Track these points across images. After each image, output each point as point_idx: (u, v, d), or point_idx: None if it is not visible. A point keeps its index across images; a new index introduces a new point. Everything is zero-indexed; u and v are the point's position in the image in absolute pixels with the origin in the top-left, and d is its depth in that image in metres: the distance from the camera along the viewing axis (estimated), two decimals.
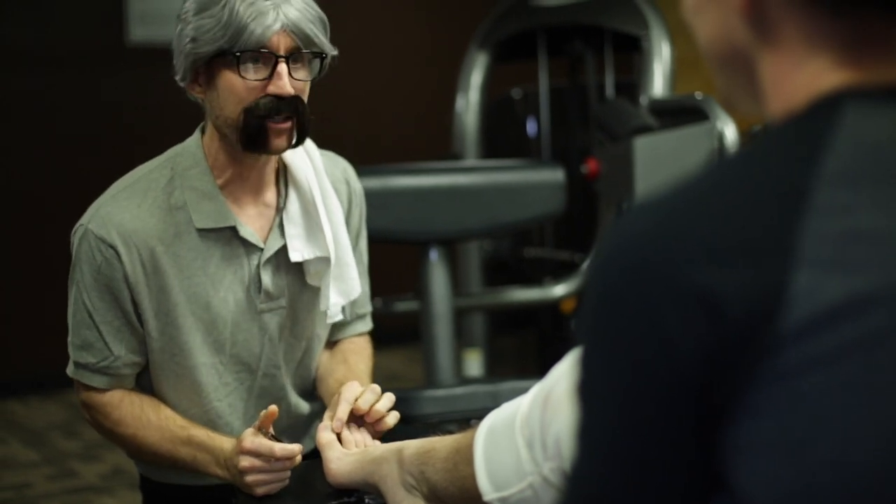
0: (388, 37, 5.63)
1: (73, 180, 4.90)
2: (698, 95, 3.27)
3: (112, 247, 1.65)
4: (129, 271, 1.66)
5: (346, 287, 1.79)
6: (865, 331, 0.64)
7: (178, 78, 1.67)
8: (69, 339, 1.72)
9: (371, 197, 2.77)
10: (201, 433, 1.69)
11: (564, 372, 1.20)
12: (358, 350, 1.92)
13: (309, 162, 1.78)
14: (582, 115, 4.20)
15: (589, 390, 0.71)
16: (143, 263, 1.67)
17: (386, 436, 1.66)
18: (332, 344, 1.92)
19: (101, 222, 1.66)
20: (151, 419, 1.71)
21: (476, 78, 4.05)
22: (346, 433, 1.60)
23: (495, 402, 1.40)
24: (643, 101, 3.47)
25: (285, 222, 1.74)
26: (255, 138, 1.64)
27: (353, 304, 1.89)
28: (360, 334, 1.95)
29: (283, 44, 1.62)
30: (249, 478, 1.57)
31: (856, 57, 0.71)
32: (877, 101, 0.70)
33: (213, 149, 1.72)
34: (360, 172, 2.77)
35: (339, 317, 1.81)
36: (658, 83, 3.50)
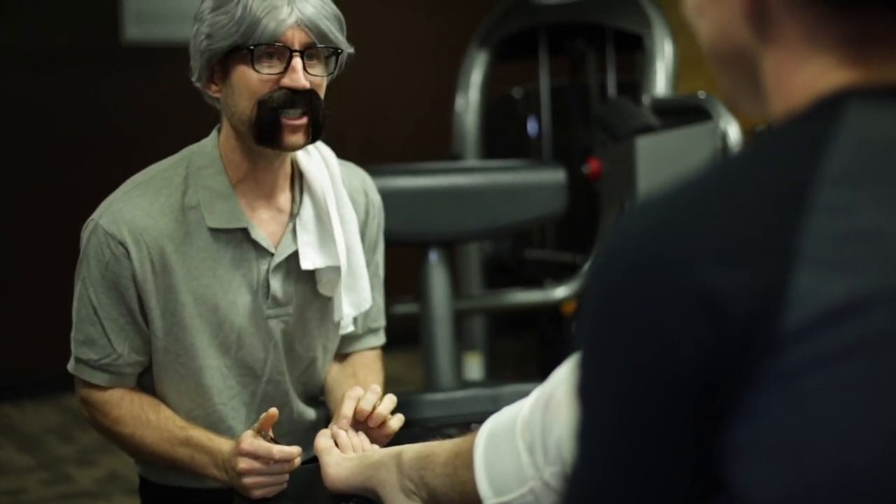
0: (388, 36, 5.63)
1: (71, 180, 4.89)
2: (701, 95, 3.28)
3: (122, 244, 1.65)
4: (137, 269, 1.65)
5: (357, 298, 1.79)
6: (866, 331, 0.64)
7: (194, 79, 1.68)
8: (72, 334, 1.71)
9: None
10: (200, 434, 1.68)
11: (565, 375, 1.20)
12: (368, 364, 1.90)
13: (326, 170, 1.78)
14: (583, 114, 4.21)
15: (589, 391, 0.71)
16: (153, 262, 1.66)
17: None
18: (342, 356, 1.91)
19: (113, 218, 1.65)
20: (151, 419, 1.71)
21: (476, 77, 4.06)
22: (343, 437, 1.59)
23: (496, 405, 1.40)
24: (645, 100, 3.48)
25: (298, 229, 1.73)
26: (268, 132, 1.64)
27: (366, 317, 1.89)
28: (372, 348, 1.93)
29: (297, 39, 1.62)
30: (247, 480, 1.57)
31: (858, 56, 0.71)
32: (879, 101, 0.70)
33: (228, 148, 1.71)
34: None
35: (351, 328, 1.81)
36: (660, 82, 3.51)
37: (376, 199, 1.89)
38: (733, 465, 0.66)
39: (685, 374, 0.66)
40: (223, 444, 1.65)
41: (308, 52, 1.64)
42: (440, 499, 1.33)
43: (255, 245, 1.70)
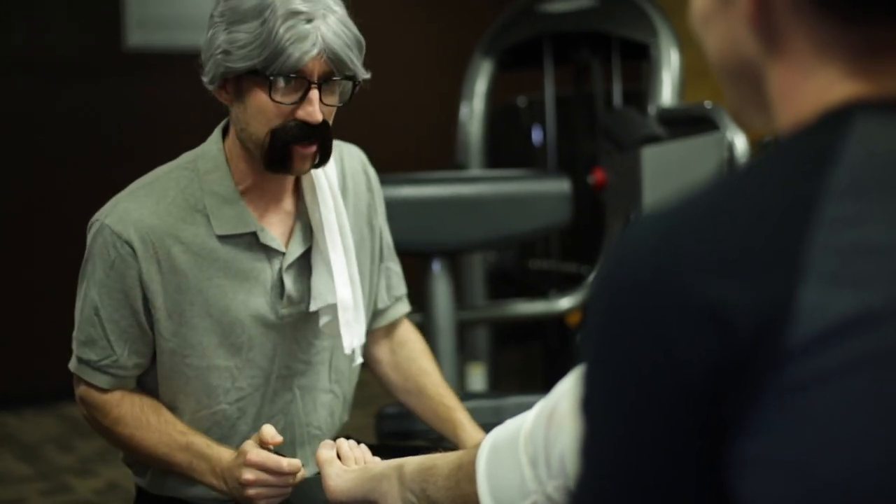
0: (392, 46, 5.65)
1: (70, 188, 4.89)
2: (707, 104, 3.29)
3: (128, 243, 1.64)
4: (144, 269, 1.65)
5: (360, 330, 1.80)
6: (873, 346, 0.64)
7: (205, 81, 1.65)
8: (74, 333, 1.71)
9: None
10: (200, 441, 1.69)
11: (569, 388, 1.20)
12: (416, 345, 1.95)
13: (330, 199, 1.77)
14: (588, 124, 4.23)
15: (593, 405, 0.71)
16: (160, 261, 1.66)
17: (387, 453, 1.64)
18: (377, 333, 1.94)
19: (119, 218, 1.65)
20: (151, 421, 1.71)
21: (480, 86, 4.08)
22: (346, 449, 1.59)
23: (499, 417, 1.41)
24: (651, 109, 3.50)
25: (314, 265, 1.75)
26: (279, 160, 1.65)
27: (389, 287, 1.93)
28: (402, 317, 1.97)
29: (317, 69, 1.60)
30: (252, 491, 1.58)
31: (865, 67, 0.71)
32: (886, 113, 0.70)
33: (234, 155, 1.71)
34: None
35: (360, 360, 1.82)
36: (666, 92, 3.52)
37: (372, 172, 1.92)
38: (739, 478, 0.66)
39: (691, 387, 0.66)
40: (223, 453, 1.65)
41: (325, 81, 1.62)
42: None
43: (265, 247, 1.71)
